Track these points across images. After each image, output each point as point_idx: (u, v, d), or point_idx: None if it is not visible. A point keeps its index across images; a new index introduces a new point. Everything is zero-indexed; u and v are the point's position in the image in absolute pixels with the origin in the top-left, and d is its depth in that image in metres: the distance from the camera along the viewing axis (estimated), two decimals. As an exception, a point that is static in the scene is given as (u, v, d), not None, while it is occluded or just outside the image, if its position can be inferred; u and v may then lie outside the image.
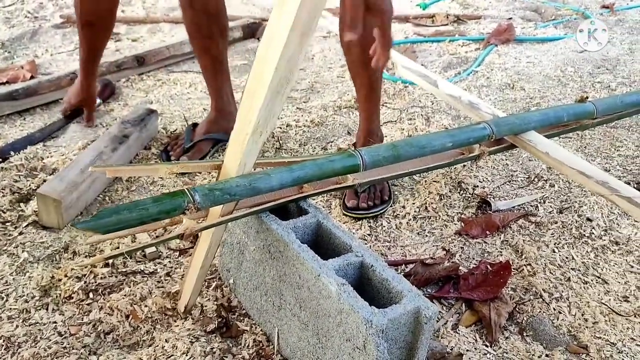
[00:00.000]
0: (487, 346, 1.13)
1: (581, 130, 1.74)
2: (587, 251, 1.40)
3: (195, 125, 1.82)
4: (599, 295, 1.27)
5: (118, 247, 1.34)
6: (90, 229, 0.85)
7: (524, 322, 1.19)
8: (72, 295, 1.21)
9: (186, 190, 0.93)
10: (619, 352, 1.12)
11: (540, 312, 1.21)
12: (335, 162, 1.09)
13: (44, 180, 1.57)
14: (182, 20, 2.98)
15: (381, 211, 1.51)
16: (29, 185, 1.55)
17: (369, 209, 1.49)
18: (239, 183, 0.98)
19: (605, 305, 1.24)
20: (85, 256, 1.31)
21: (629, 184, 1.64)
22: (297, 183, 1.06)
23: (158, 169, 1.05)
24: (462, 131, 1.30)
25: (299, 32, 0.87)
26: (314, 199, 1.53)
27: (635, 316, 1.21)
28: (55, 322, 1.15)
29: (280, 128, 1.94)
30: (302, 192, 1.11)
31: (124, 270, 1.28)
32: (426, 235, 1.45)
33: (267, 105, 0.93)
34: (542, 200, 1.59)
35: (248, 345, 1.12)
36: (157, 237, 1.35)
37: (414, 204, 1.55)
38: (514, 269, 1.33)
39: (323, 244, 1.09)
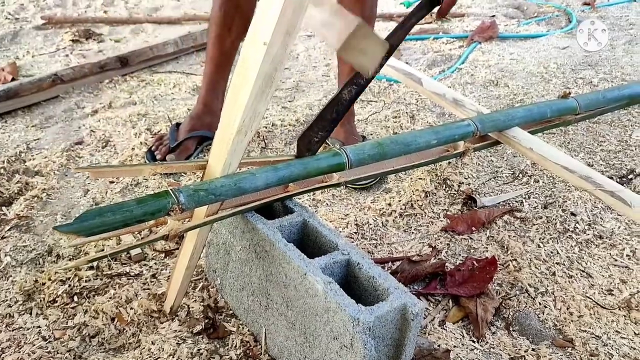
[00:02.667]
0: (474, 342, 1.14)
1: (564, 126, 1.76)
2: (571, 245, 1.41)
3: (179, 124, 1.81)
4: (583, 289, 1.28)
5: (103, 249, 1.32)
6: (73, 232, 0.84)
7: (510, 317, 1.20)
8: (57, 299, 1.19)
9: (170, 191, 0.93)
10: (604, 345, 1.13)
11: (526, 306, 1.22)
12: (320, 160, 1.09)
13: (27, 183, 1.55)
14: (165, 20, 2.96)
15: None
16: (11, 188, 1.53)
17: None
18: (223, 183, 0.97)
19: (590, 298, 1.25)
20: (70, 259, 1.30)
21: (611, 178, 1.66)
22: (282, 182, 1.06)
23: (142, 170, 1.04)
24: (446, 128, 1.30)
25: (283, 31, 0.86)
26: (300, 198, 1.53)
27: (619, 309, 1.22)
28: (39, 327, 1.13)
29: (266, 127, 1.93)
30: (287, 191, 1.11)
31: (109, 272, 1.27)
32: (412, 233, 1.46)
33: (252, 104, 0.93)
34: (527, 196, 1.60)
35: (235, 346, 1.11)
36: (142, 238, 1.34)
37: (399, 201, 1.56)
38: (499, 264, 1.33)
39: (309, 243, 1.09)
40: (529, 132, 1.41)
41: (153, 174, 1.03)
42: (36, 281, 1.23)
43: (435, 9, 1.31)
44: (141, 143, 1.77)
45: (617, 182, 1.64)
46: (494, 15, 3.22)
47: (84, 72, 2.16)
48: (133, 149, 1.75)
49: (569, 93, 1.53)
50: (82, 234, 0.85)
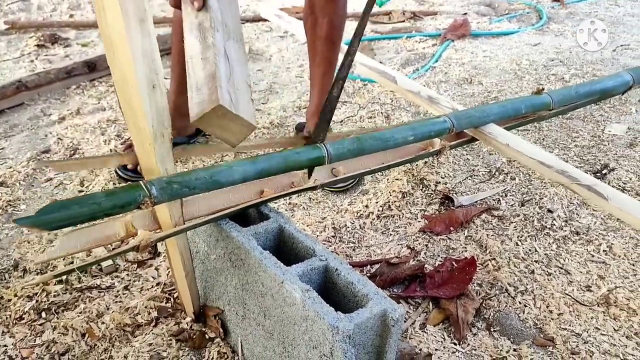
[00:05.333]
0: (455, 344, 1.12)
1: (538, 122, 1.76)
2: (549, 243, 1.41)
3: (150, 130, 1.76)
4: (562, 286, 1.28)
5: (72, 262, 1.27)
6: (33, 225, 0.77)
7: (490, 317, 1.19)
8: (23, 316, 1.14)
9: (142, 184, 0.88)
10: (584, 343, 1.13)
11: (506, 306, 1.21)
12: (300, 154, 1.06)
13: (-9, 195, 1.50)
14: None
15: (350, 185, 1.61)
16: (-26, 200, 1.47)
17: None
18: (198, 176, 0.93)
19: (569, 296, 1.24)
20: (37, 273, 1.25)
21: (586, 173, 1.66)
22: (261, 176, 1.02)
23: (107, 161, 0.98)
24: (423, 124, 1.28)
25: (136, 21, 0.78)
26: (275, 203, 1.50)
27: (598, 305, 1.22)
28: (5, 346, 1.08)
29: (239, 131, 1.89)
30: (262, 197, 1.08)
31: (78, 286, 1.22)
32: (390, 234, 1.44)
33: (150, 105, 0.85)
34: (504, 194, 1.60)
35: (212, 358, 1.08)
36: (112, 249, 1.30)
37: (377, 203, 1.54)
38: (479, 264, 1.32)
39: (286, 249, 1.06)
40: (504, 128, 1.40)
41: (120, 164, 0.98)
42: (2, 298, 1.18)
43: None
44: (111, 150, 1.72)
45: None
46: (465, 13, 3.23)
47: (49, 78, 2.09)
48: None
49: (543, 89, 1.53)
50: (45, 227, 0.79)
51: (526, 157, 1.31)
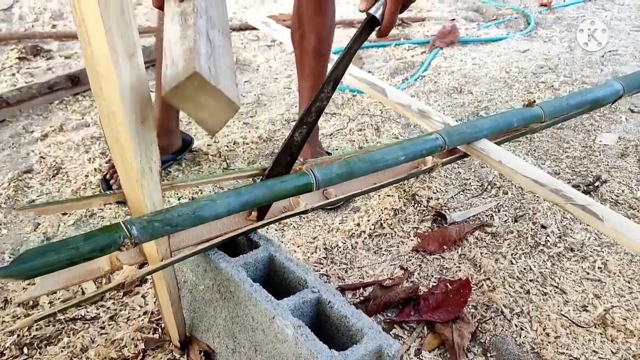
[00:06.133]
0: (452, 371, 1.10)
1: (530, 134, 1.74)
2: (543, 260, 1.39)
3: (135, 149, 1.72)
4: (558, 306, 1.25)
5: (55, 293, 1.23)
6: (11, 276, 0.75)
7: (487, 342, 1.17)
8: (4, 352, 1.10)
9: (122, 224, 0.84)
10: (582, 367, 1.11)
11: (502, 330, 1.19)
12: (287, 182, 1.03)
13: (-30, 220, 1.45)
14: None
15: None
16: (-47, 226, 1.42)
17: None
18: (181, 212, 0.90)
19: (566, 317, 1.22)
20: (18, 305, 1.21)
21: (578, 186, 1.65)
22: (246, 208, 0.99)
23: (91, 202, 0.95)
24: (414, 143, 1.26)
25: (124, 57, 0.73)
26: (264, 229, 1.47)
27: (595, 326, 1.20)
28: (-14, 384, 1.04)
29: (227, 146, 1.86)
30: (251, 225, 1.05)
31: (62, 317, 1.18)
32: (383, 254, 1.41)
33: (138, 139, 0.81)
34: (496, 209, 1.58)
35: (202, 392, 1.05)
36: (96, 278, 1.26)
37: (369, 221, 1.51)
38: (473, 284, 1.30)
39: (277, 279, 1.03)
40: (495, 142, 1.38)
41: (104, 204, 0.95)
42: (-18, 332, 1.14)
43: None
44: (95, 169, 1.68)
45: (584, 190, 1.64)
46: (454, 19, 3.21)
47: (31, 94, 2.04)
48: (87, 176, 1.66)
49: (534, 101, 1.51)
50: (22, 277, 0.76)
51: (519, 175, 1.29)
